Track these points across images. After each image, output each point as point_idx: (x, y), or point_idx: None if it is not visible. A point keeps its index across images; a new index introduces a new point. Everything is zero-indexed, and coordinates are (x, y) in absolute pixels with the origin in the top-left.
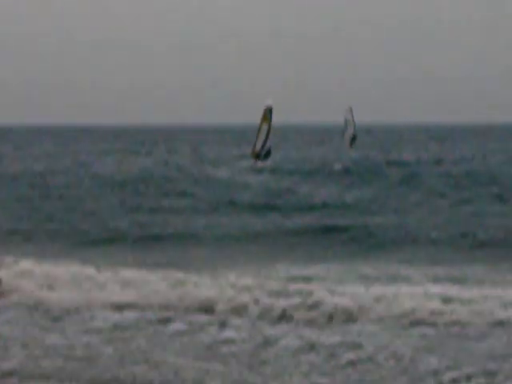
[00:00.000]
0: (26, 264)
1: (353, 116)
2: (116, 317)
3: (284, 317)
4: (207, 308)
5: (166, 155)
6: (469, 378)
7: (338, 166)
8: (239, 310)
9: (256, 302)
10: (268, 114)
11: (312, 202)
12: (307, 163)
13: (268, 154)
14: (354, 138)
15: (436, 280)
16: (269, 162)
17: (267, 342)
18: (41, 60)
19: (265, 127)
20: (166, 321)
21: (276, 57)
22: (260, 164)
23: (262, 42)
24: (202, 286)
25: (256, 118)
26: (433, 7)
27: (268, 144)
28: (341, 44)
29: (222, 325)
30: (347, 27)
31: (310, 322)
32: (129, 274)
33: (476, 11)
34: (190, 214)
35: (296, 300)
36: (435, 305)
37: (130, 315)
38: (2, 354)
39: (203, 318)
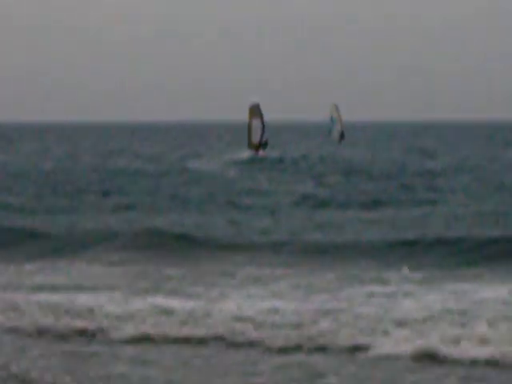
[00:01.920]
0: None
1: (339, 113)
2: None
3: None
4: None
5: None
6: None
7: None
8: None
9: None
10: (256, 110)
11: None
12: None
13: (265, 145)
14: (342, 134)
15: None
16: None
17: None
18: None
19: (256, 122)
20: None
21: (263, 54)
22: (262, 153)
23: (251, 38)
24: None
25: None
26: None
27: (265, 136)
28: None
29: None
30: (338, 24)
31: None
32: None
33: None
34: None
35: None
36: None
37: None
38: None
39: None
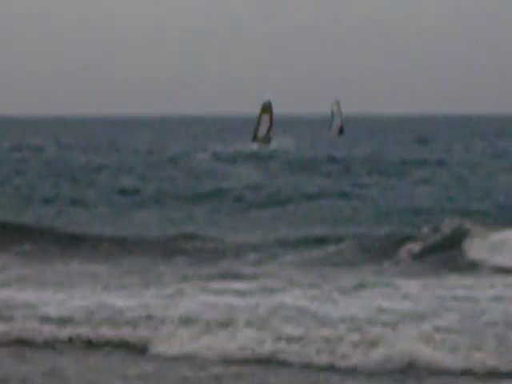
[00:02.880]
0: None
1: (340, 108)
2: None
3: None
4: None
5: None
6: None
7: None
8: None
9: None
10: (267, 107)
11: None
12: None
13: (269, 139)
14: (341, 129)
15: None
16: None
17: None
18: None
19: (265, 117)
20: None
21: (267, 48)
22: (267, 148)
23: (252, 30)
24: None
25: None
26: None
27: (270, 133)
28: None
29: None
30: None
31: None
32: None
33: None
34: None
35: None
36: None
37: None
38: None
39: None
